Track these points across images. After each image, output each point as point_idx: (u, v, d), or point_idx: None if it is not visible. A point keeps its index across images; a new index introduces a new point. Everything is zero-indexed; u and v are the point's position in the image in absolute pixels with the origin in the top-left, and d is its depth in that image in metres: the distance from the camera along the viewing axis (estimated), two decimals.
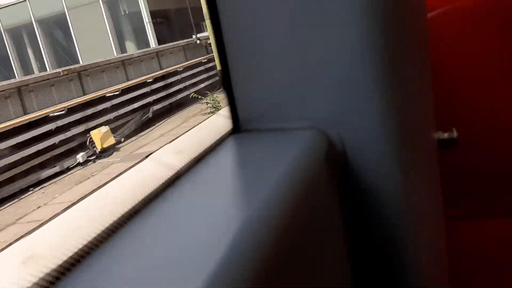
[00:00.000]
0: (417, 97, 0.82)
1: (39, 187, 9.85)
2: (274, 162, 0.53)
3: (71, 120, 11.29)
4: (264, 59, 0.64)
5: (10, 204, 9.08)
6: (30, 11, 20.13)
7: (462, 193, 1.44)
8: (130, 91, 13.34)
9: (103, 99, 12.56)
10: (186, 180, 0.51)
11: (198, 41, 17.36)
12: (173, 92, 15.03)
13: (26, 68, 21.45)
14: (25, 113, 10.84)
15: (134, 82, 13.81)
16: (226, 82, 0.67)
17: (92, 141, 11.09)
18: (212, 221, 0.39)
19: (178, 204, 0.45)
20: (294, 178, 0.48)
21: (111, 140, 11.41)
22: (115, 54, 18.57)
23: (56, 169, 10.40)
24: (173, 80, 15.19)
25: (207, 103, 12.72)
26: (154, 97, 14.05)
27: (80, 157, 10.80)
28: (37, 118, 10.67)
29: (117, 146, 11.59)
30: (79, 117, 11.56)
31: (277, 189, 0.44)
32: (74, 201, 7.83)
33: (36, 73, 18.27)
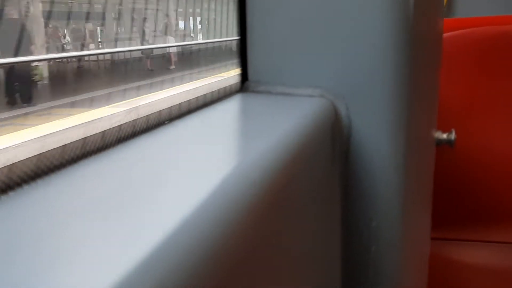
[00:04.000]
0: (425, 93, 0.83)
1: None
2: (279, 122, 0.54)
3: None
4: (283, 25, 0.65)
5: None
6: None
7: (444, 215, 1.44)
8: None
9: None
10: (189, 120, 0.52)
11: None
12: None
13: None
14: None
15: None
16: (242, 41, 0.67)
17: None
18: (207, 158, 0.40)
19: (180, 135, 0.46)
20: (297, 140, 0.48)
21: None
22: None
23: None
24: None
25: None
26: None
27: None
28: None
29: None
30: None
31: (278, 145, 0.44)
32: None
33: None
